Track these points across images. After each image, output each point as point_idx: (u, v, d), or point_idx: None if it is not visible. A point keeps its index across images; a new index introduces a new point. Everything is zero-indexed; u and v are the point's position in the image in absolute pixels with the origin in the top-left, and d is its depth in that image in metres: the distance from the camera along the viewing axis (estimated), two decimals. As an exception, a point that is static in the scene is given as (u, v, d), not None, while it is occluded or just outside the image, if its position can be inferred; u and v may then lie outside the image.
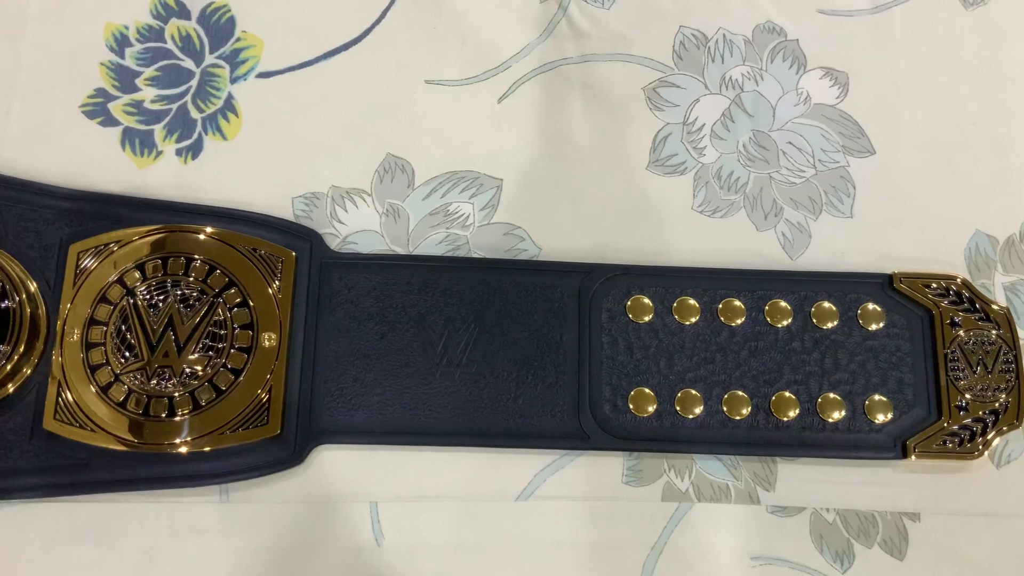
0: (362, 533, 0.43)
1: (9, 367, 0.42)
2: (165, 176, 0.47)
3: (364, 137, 0.48)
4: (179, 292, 0.44)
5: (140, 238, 0.45)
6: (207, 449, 0.43)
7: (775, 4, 0.52)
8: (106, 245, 0.44)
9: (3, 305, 0.43)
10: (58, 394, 0.43)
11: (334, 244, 0.46)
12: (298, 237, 0.46)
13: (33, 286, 0.44)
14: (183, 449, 0.42)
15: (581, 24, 0.50)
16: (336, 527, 0.43)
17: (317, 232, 0.46)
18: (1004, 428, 0.44)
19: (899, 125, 0.50)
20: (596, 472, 0.44)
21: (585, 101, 0.49)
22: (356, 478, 0.44)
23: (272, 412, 0.43)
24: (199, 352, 0.43)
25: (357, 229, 0.47)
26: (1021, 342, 0.45)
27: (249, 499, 0.43)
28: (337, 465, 0.44)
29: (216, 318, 0.44)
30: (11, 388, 0.42)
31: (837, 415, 0.45)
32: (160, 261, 0.44)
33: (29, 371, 0.43)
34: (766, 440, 0.45)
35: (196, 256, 0.45)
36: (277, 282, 0.45)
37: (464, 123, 0.49)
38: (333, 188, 0.47)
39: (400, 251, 0.47)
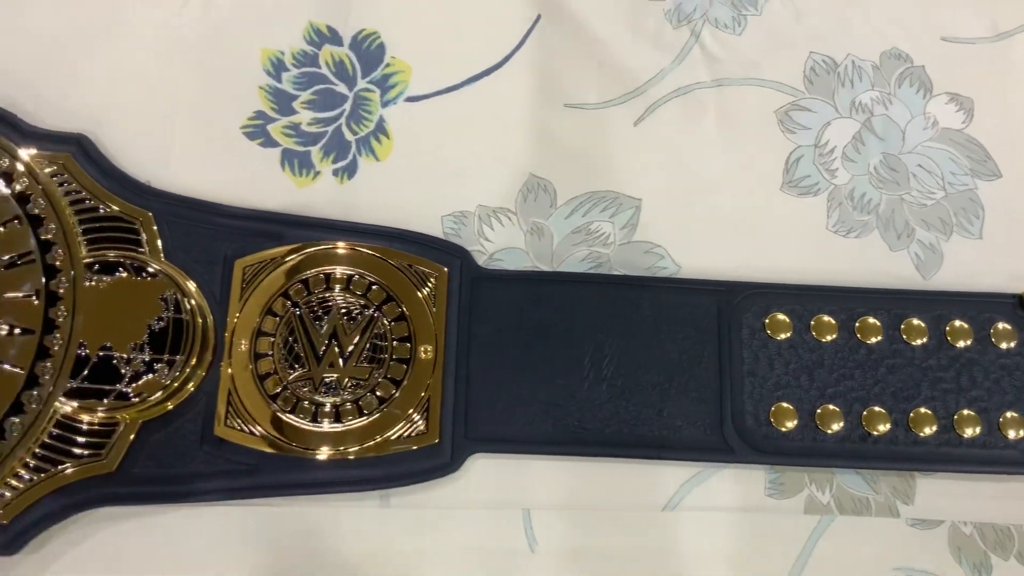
0: (516, 539, 0.45)
1: (183, 375, 0.44)
2: (323, 195, 0.49)
3: (507, 158, 0.50)
4: (341, 306, 0.46)
5: (303, 254, 0.47)
6: (370, 456, 0.45)
7: (901, 31, 0.53)
8: (271, 260, 0.47)
9: (178, 317, 0.45)
10: (228, 402, 0.45)
11: (481, 261, 0.48)
12: (449, 254, 0.48)
13: (202, 299, 0.46)
14: (348, 456, 0.44)
15: (713, 49, 0.52)
16: (491, 533, 0.45)
17: (466, 249, 0.48)
18: None
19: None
20: (740, 484, 0.46)
21: (719, 123, 0.51)
22: (509, 486, 0.45)
23: (431, 421, 0.45)
24: (362, 363, 0.45)
25: (503, 246, 0.49)
26: None
27: (408, 504, 0.45)
28: (491, 473, 0.46)
29: (377, 331, 0.46)
30: (184, 395, 0.45)
31: (973, 431, 0.46)
32: (323, 276, 0.47)
33: (200, 380, 0.45)
34: (905, 455, 0.46)
35: (356, 271, 0.47)
36: (431, 297, 0.47)
37: (602, 145, 0.51)
38: (480, 207, 0.49)
39: (544, 268, 0.49)
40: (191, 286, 0.46)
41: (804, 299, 0.48)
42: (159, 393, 0.44)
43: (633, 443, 0.46)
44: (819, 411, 0.46)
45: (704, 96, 0.51)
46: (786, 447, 0.46)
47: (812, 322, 0.48)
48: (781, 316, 0.48)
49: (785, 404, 0.46)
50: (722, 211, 0.50)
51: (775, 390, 0.47)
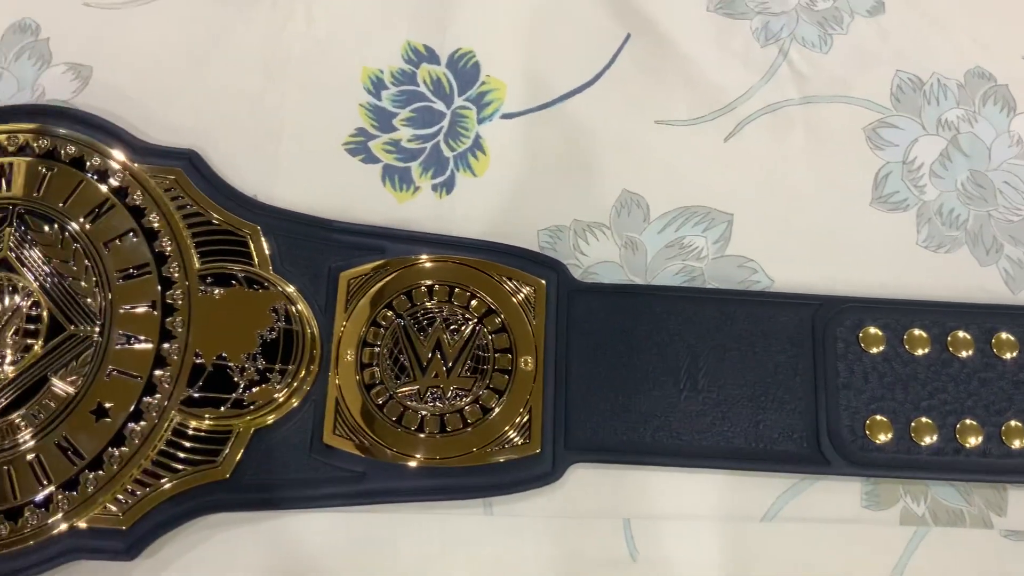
0: (617, 548, 0.45)
1: (294, 384, 0.46)
2: (423, 210, 0.50)
3: (600, 174, 0.51)
4: (445, 318, 0.47)
5: (405, 267, 0.48)
6: (473, 464, 0.46)
7: (983, 50, 0.54)
8: (374, 272, 0.48)
9: (288, 328, 0.46)
10: (336, 411, 0.46)
11: (577, 274, 0.49)
12: (546, 267, 0.49)
13: (308, 310, 0.48)
14: (452, 464, 0.46)
15: (801, 67, 0.53)
16: (592, 541, 0.46)
17: (562, 262, 0.49)
18: None
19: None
20: (835, 496, 0.46)
21: (807, 140, 0.52)
22: (609, 495, 0.46)
23: (532, 431, 0.46)
24: (465, 374, 0.47)
25: (598, 260, 0.50)
26: None
27: (511, 513, 0.46)
28: (591, 482, 0.46)
29: (479, 342, 0.47)
30: (294, 403, 0.46)
31: (1063, 444, 0.47)
32: (425, 288, 0.48)
33: (308, 388, 0.46)
34: (997, 467, 0.46)
35: (457, 284, 0.48)
36: (530, 309, 0.48)
37: (693, 161, 0.52)
38: (575, 221, 0.50)
39: (639, 281, 0.50)
40: (298, 298, 0.48)
41: (897, 313, 0.49)
42: (271, 402, 0.45)
43: (730, 455, 0.47)
44: (913, 424, 0.47)
45: (793, 113, 0.52)
46: (881, 459, 0.47)
47: (905, 336, 0.48)
48: (874, 330, 0.48)
49: (880, 417, 0.47)
50: (813, 226, 0.50)
51: (870, 403, 0.47)
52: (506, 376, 0.47)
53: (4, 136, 0.48)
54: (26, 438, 0.43)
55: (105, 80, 0.52)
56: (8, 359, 0.44)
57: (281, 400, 0.45)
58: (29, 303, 0.45)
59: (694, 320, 0.48)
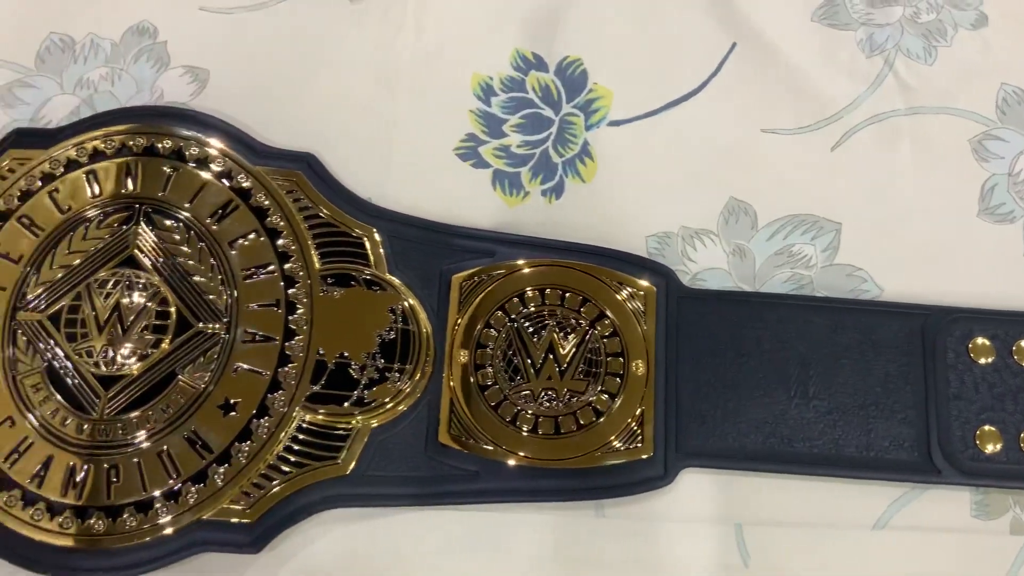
0: (730, 554, 0.46)
1: (411, 384, 0.47)
2: (532, 214, 0.51)
3: (707, 181, 0.52)
4: (557, 321, 0.48)
5: (517, 270, 0.49)
6: (587, 467, 0.46)
7: (1086, 63, 0.54)
8: (489, 275, 0.49)
9: (405, 328, 0.47)
10: (451, 410, 0.47)
11: (685, 280, 0.50)
12: (655, 272, 0.50)
13: (422, 311, 0.49)
14: (565, 465, 0.46)
15: (907, 79, 0.54)
16: (705, 546, 0.46)
17: (671, 269, 0.50)
18: None
19: None
20: (945, 505, 0.47)
21: (914, 150, 0.52)
22: (721, 500, 0.47)
23: (645, 435, 0.47)
24: (579, 377, 0.47)
25: (706, 267, 0.50)
26: None
27: (623, 515, 0.46)
28: (702, 487, 0.47)
29: (591, 345, 0.48)
30: (410, 402, 0.47)
31: None
32: (538, 292, 0.49)
33: (423, 388, 0.47)
34: (1106, 478, 0.47)
35: (569, 288, 0.49)
36: (641, 314, 0.48)
37: (800, 170, 0.52)
38: (683, 228, 0.51)
39: (747, 288, 0.50)
40: (414, 299, 0.48)
41: (1006, 324, 0.49)
42: (390, 400, 0.46)
43: (841, 462, 0.47)
44: (1022, 435, 0.47)
45: (899, 123, 0.53)
46: (991, 469, 0.47)
47: (1014, 347, 0.48)
48: (983, 340, 0.48)
49: (989, 427, 0.47)
50: (920, 236, 0.51)
51: (980, 413, 0.47)
52: (618, 380, 0.47)
53: (127, 136, 0.49)
54: (155, 432, 0.45)
55: (221, 83, 0.53)
56: (137, 355, 0.45)
57: (400, 399, 0.46)
58: (158, 300, 0.46)
59: (805, 328, 0.49)
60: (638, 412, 0.47)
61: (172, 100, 0.52)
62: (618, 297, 0.49)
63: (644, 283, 0.49)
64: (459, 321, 0.48)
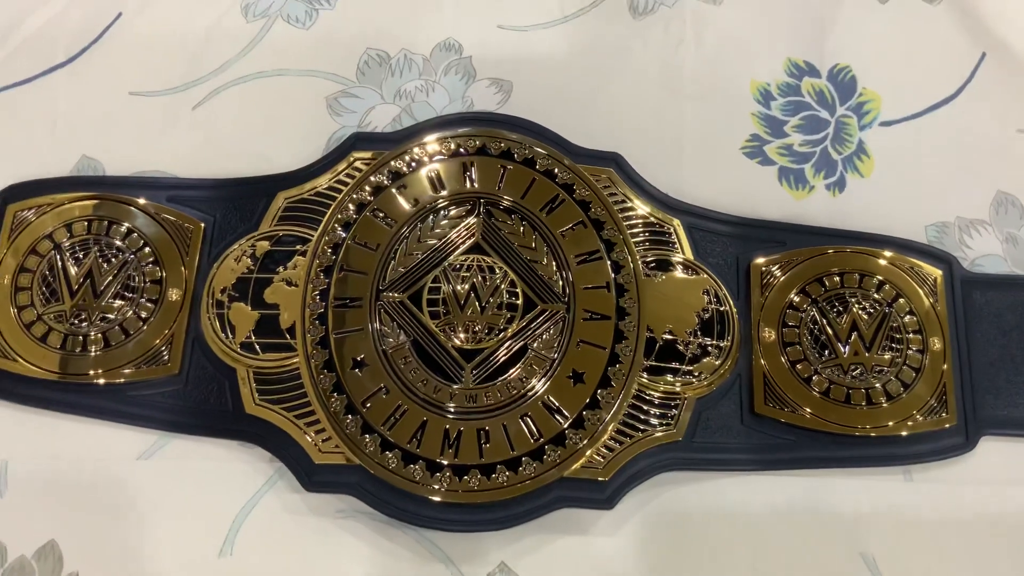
0: (1031, 514, 0.50)
1: (728, 359, 0.51)
2: (817, 207, 0.56)
3: (974, 176, 0.57)
4: (859, 300, 0.52)
5: (812, 256, 0.53)
6: (894, 435, 0.50)
7: None
8: (785, 261, 0.53)
9: (719, 308, 0.52)
10: (765, 384, 0.51)
11: (964, 265, 0.54)
12: (939, 259, 0.54)
13: (727, 294, 0.53)
14: (875, 433, 0.50)
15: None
16: (1011, 506, 0.50)
17: (952, 255, 0.54)
18: None
19: None
20: None
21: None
22: (1019, 464, 0.50)
23: (949, 405, 0.50)
24: (882, 352, 0.51)
25: (982, 253, 0.55)
26: None
27: (929, 479, 0.50)
28: (1001, 453, 0.51)
29: (892, 323, 0.52)
30: (726, 376, 0.51)
31: None
32: (838, 276, 0.53)
33: (735, 363, 0.52)
34: None
35: (864, 271, 0.53)
36: (932, 295, 0.53)
37: (1058, 166, 0.57)
38: (958, 218, 0.55)
39: (1022, 273, 0.54)
40: (720, 283, 0.53)
41: None
42: (711, 374, 0.51)
43: None
44: None
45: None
46: None
47: None
48: None
49: None
50: None
51: None
52: (920, 355, 0.51)
53: (462, 139, 0.54)
54: (516, 398, 0.49)
55: (524, 93, 0.58)
56: (493, 331, 0.50)
57: (720, 374, 0.51)
58: (507, 282, 0.51)
59: (1086, 311, 0.53)
60: (939, 385, 0.51)
61: (481, 109, 0.58)
62: (911, 280, 0.53)
63: (932, 267, 0.54)
64: (763, 302, 0.53)
